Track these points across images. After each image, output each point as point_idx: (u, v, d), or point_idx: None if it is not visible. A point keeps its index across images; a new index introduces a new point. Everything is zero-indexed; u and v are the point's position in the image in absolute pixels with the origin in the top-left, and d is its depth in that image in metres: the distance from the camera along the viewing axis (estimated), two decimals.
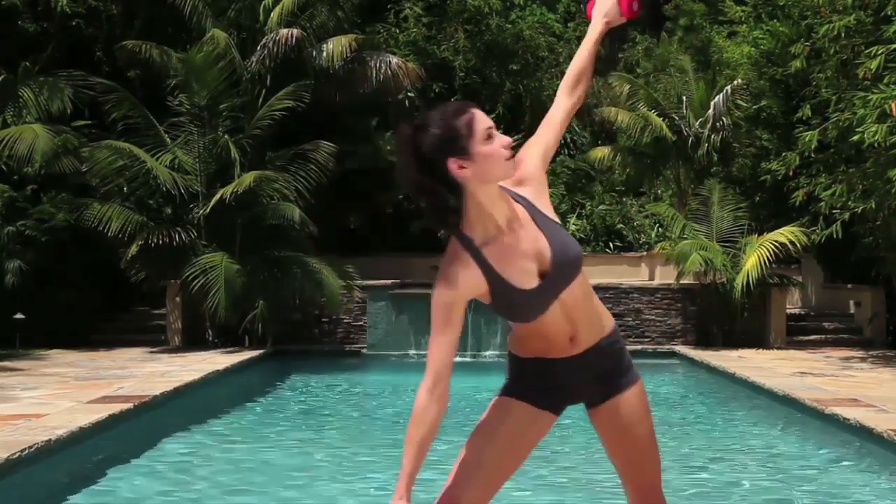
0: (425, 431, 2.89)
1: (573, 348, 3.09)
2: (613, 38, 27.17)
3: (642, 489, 3.24)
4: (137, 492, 7.18)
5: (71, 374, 11.98)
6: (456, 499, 2.97)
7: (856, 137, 12.29)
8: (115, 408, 8.95)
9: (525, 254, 2.94)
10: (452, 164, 2.81)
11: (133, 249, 15.54)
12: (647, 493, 3.24)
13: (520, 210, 2.98)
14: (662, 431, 10.10)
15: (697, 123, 18.95)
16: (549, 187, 13.35)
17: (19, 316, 15.24)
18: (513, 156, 2.87)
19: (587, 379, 3.14)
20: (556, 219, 3.05)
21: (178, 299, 16.26)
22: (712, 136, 18.66)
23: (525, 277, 2.93)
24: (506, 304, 2.98)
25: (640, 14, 3.40)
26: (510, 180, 3.00)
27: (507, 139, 2.87)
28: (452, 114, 2.86)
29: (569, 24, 25.86)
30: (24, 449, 6.92)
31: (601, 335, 3.14)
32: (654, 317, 17.44)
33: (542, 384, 3.14)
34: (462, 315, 2.96)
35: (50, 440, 7.33)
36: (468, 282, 2.92)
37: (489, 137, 2.84)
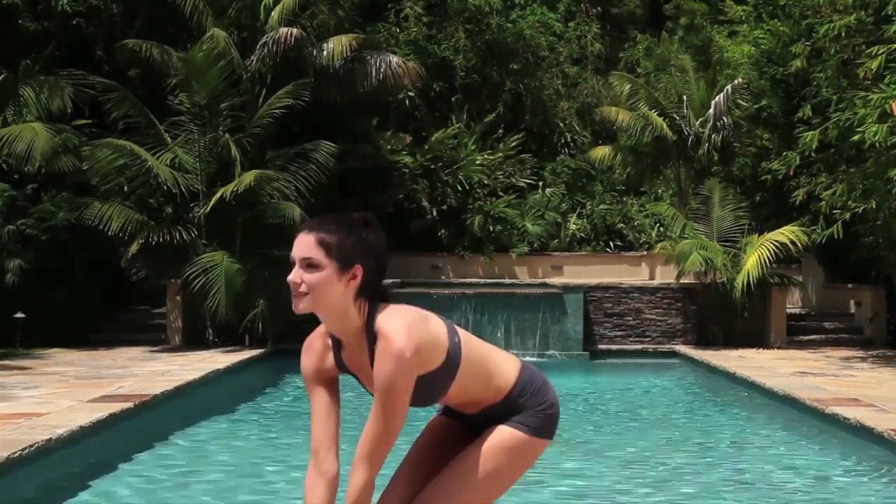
0: None
1: (463, 410, 3.23)
2: (614, 37, 27.22)
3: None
4: (137, 491, 7.19)
5: (71, 373, 12.00)
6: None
7: (856, 137, 12.30)
8: (116, 407, 8.97)
9: (370, 379, 2.95)
10: None
11: (133, 248, 15.55)
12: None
13: (366, 359, 2.94)
14: (661, 430, 10.12)
15: (698, 123, 18.95)
16: (550, 186, 13.45)
17: (20, 315, 15.26)
18: (295, 294, 2.87)
19: (482, 423, 3.19)
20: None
21: (178, 298, 16.28)
22: (713, 136, 18.67)
23: (372, 388, 2.97)
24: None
25: None
26: (378, 349, 2.87)
27: (290, 278, 2.88)
28: None
29: (569, 24, 25.82)
30: (25, 448, 6.93)
31: (489, 405, 3.16)
32: (654, 316, 17.45)
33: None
34: (328, 388, 3.04)
35: (50, 439, 7.34)
36: (317, 361, 3.04)
37: (292, 264, 2.91)
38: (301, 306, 2.86)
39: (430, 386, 2.94)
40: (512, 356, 3.27)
